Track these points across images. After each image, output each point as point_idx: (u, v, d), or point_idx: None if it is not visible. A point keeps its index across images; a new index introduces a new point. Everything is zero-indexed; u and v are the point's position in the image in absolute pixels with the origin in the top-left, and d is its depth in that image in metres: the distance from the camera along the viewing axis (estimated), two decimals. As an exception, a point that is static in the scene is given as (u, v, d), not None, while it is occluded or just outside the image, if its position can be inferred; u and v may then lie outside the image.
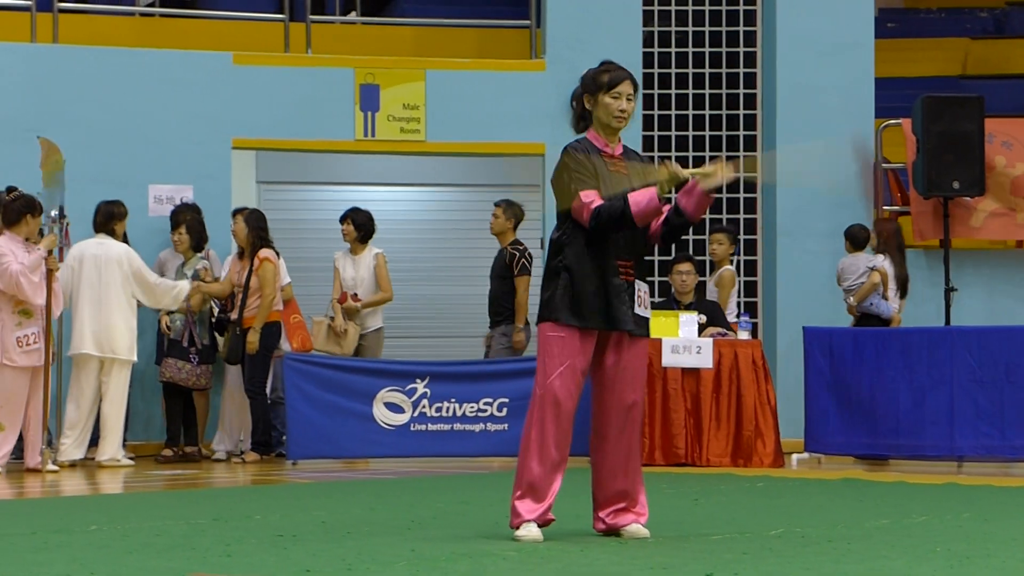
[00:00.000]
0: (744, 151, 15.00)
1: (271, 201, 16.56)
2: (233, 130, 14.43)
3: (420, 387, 13.01)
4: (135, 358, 12.93)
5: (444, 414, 13.02)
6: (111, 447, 12.78)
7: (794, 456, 12.94)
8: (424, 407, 12.99)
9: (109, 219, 13.00)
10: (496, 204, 14.01)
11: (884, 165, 14.85)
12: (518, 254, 13.78)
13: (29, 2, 14.40)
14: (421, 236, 15.80)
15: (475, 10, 16.64)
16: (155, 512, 8.88)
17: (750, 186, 14.97)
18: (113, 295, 12.74)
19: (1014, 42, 18.18)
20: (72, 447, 12.70)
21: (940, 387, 12.47)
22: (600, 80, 7.23)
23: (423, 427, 13.00)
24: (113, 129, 14.17)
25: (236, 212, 13.80)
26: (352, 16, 16.73)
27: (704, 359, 12.66)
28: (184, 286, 13.09)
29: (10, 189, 12.66)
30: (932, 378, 12.51)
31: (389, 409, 12.97)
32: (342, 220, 13.97)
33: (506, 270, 13.76)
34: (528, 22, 15.24)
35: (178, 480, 11.87)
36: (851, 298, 13.66)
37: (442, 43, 15.87)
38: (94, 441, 13.04)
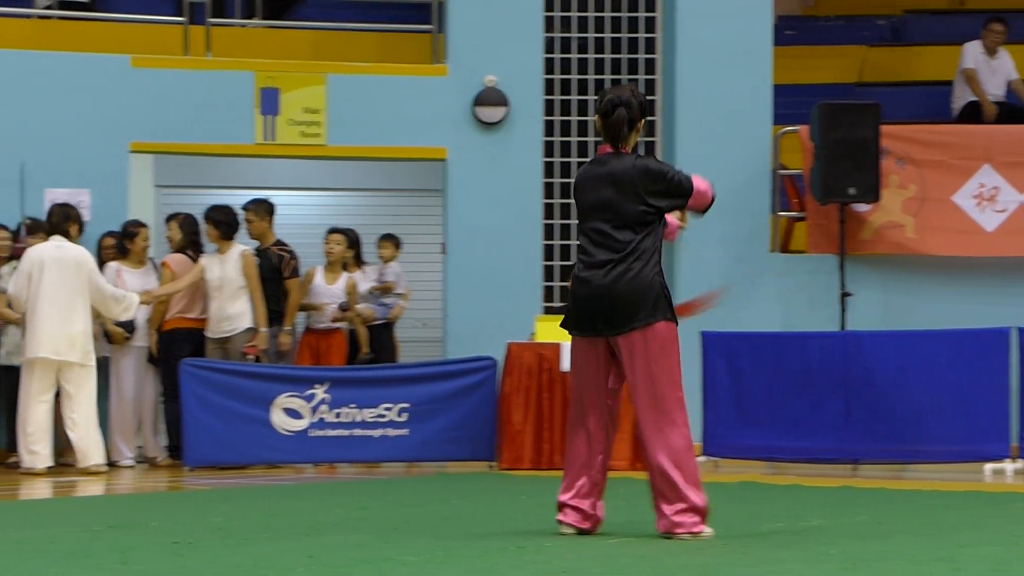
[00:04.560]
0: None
1: (169, 206, 16.42)
2: (131, 133, 14.32)
3: (320, 393, 12.96)
4: (94, 362, 12.81)
5: (344, 419, 12.99)
6: (97, 453, 12.65)
7: (693, 460, 13.01)
8: (323, 412, 12.95)
9: (65, 220, 12.83)
10: (246, 208, 13.69)
11: (781, 172, 14.99)
12: (288, 256, 13.65)
13: (-76, 3, 14.23)
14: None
15: (377, 14, 16.59)
16: (50, 519, 8.79)
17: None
18: (77, 298, 12.60)
19: (911, 49, 18.38)
20: (46, 455, 12.55)
21: (835, 391, 12.61)
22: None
23: (322, 433, 12.96)
24: (9, 132, 14.02)
25: (171, 217, 13.90)
26: (252, 20, 16.63)
27: (604, 364, 12.70)
28: (134, 298, 12.94)
29: None
30: (827, 382, 12.64)
31: (288, 415, 12.91)
32: (204, 220, 13.74)
33: (275, 272, 13.60)
34: (430, 27, 15.24)
35: (75, 487, 11.76)
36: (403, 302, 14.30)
37: (343, 47, 15.82)
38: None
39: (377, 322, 14.22)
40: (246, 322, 13.32)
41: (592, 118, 15.11)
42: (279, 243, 13.72)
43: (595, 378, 7.59)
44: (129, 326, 13.37)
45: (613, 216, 7.49)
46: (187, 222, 13.80)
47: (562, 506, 7.62)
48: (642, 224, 7.48)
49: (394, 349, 14.46)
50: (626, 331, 7.45)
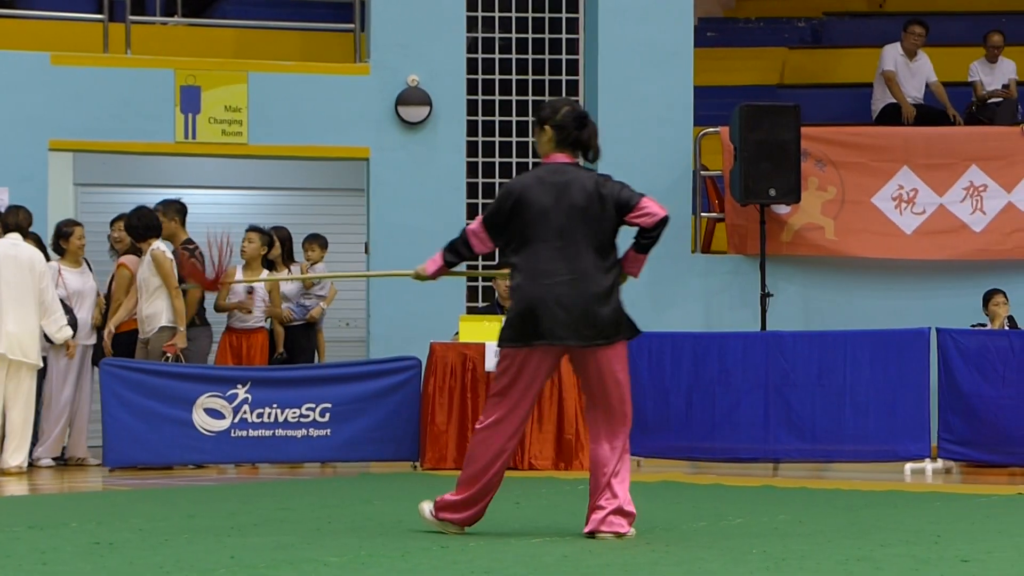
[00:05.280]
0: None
1: (89, 204, 16.32)
2: (50, 131, 14.20)
3: (241, 392, 12.89)
4: (41, 363, 12.72)
5: (266, 420, 12.93)
6: (21, 454, 12.57)
7: (614, 459, 13.05)
8: (245, 413, 12.88)
9: (28, 220, 12.80)
10: (155, 209, 13.56)
11: (703, 173, 15.06)
12: (188, 254, 13.58)
13: None
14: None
15: (298, 13, 16.56)
16: (-32, 521, 8.71)
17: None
18: (30, 297, 12.54)
19: (831, 52, 18.55)
20: None
21: (755, 391, 12.69)
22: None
23: (244, 433, 12.89)
24: (-74, 129, 13.89)
25: (117, 219, 13.88)
26: (173, 17, 16.54)
27: (526, 364, 12.72)
28: (68, 333, 12.89)
29: None
30: (747, 382, 12.72)
31: (209, 415, 12.83)
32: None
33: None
34: (352, 26, 15.21)
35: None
36: (324, 304, 14.30)
37: (265, 46, 15.77)
38: None
39: (295, 323, 14.16)
40: (162, 321, 13.18)
41: (516, 118, 15.13)
42: (186, 242, 13.57)
43: (536, 390, 7.58)
44: (72, 326, 13.31)
45: (580, 228, 7.46)
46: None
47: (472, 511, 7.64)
48: (608, 240, 7.53)
49: (313, 350, 14.39)
50: (599, 344, 7.45)
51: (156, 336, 13.13)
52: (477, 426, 7.65)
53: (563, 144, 7.65)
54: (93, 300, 13.59)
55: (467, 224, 7.81)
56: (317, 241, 14.51)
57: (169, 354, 13.15)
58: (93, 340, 13.57)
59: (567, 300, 7.42)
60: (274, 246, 14.14)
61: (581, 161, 7.73)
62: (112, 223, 14.10)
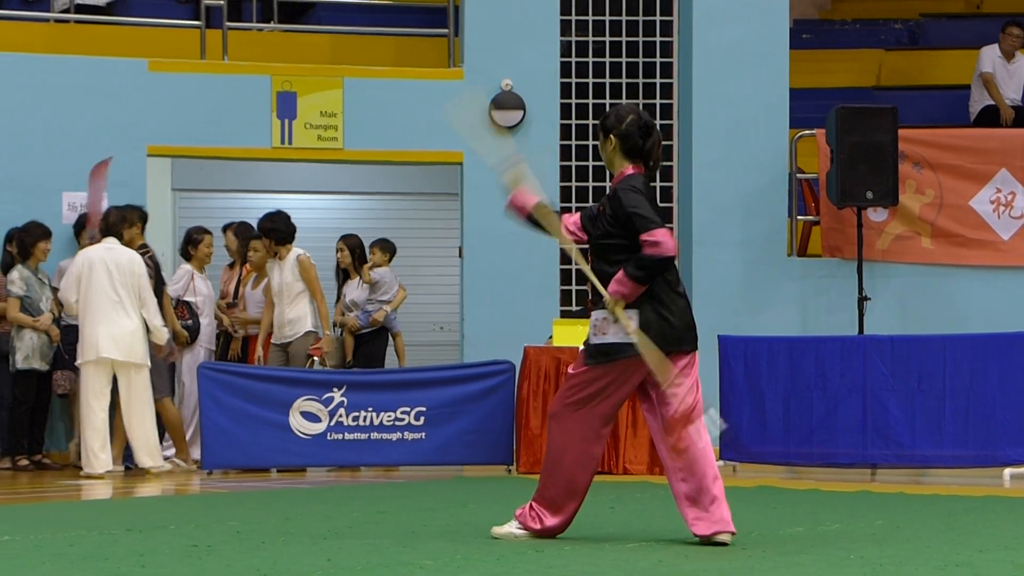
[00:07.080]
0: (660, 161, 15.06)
1: (186, 209, 16.48)
2: (148, 137, 14.35)
3: (337, 396, 12.96)
4: (149, 363, 12.85)
5: (361, 423, 12.99)
6: (156, 454, 12.75)
7: (710, 464, 13.00)
8: (341, 416, 12.95)
9: (121, 223, 12.96)
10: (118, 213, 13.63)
11: (799, 175, 14.97)
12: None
13: (-59, 7, 14.27)
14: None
15: (393, 18, 16.63)
16: (68, 522, 8.80)
17: (666, 197, 15.05)
18: (128, 299, 12.68)
19: (928, 53, 18.37)
20: (106, 459, 12.60)
21: (853, 395, 12.58)
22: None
23: (340, 436, 12.96)
24: (27, 136, 14.07)
25: (226, 227, 14.17)
26: (269, 24, 16.67)
27: (620, 367, 12.68)
28: (165, 335, 12.88)
29: None
30: (845, 386, 12.61)
31: (305, 418, 12.92)
32: (258, 230, 13.85)
33: None
34: (446, 31, 15.26)
35: (96, 489, 11.79)
36: (388, 307, 14.15)
37: (360, 51, 15.85)
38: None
39: (363, 330, 14.15)
40: (306, 325, 13.39)
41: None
42: (143, 246, 13.44)
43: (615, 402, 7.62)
44: (194, 331, 13.46)
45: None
46: (242, 229, 14.07)
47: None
48: (611, 252, 7.54)
49: (382, 356, 14.32)
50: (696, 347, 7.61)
51: (300, 340, 13.31)
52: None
53: (629, 154, 7.53)
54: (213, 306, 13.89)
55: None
56: (379, 245, 14.45)
57: (316, 357, 13.31)
58: (214, 345, 13.81)
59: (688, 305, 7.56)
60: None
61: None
62: (225, 230, 14.19)
